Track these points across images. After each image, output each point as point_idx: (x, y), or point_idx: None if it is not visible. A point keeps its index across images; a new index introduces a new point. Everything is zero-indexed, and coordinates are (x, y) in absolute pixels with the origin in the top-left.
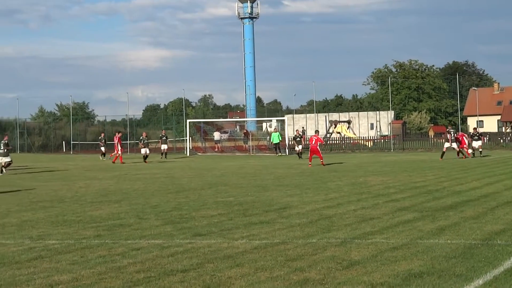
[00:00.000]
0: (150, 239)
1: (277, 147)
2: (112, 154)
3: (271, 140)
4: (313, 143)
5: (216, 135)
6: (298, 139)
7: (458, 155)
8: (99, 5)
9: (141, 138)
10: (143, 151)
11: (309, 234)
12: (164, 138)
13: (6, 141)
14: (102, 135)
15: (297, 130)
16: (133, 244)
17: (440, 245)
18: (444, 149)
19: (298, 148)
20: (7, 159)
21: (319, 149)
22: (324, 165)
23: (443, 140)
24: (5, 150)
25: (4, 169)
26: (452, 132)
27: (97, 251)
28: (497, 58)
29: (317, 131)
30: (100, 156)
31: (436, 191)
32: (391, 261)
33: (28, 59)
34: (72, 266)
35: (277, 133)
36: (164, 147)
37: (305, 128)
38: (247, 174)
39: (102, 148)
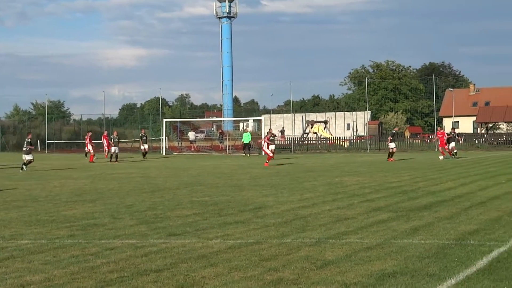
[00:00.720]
0: (124, 239)
1: (248, 147)
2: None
3: (242, 140)
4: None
5: (191, 135)
6: (271, 138)
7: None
8: (76, 3)
9: (111, 137)
10: (113, 149)
11: (284, 234)
12: (145, 137)
13: (29, 140)
14: (89, 134)
15: (270, 129)
16: (107, 244)
17: (414, 245)
18: (391, 150)
19: (270, 148)
20: (30, 157)
21: (265, 150)
22: (266, 166)
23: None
24: (28, 148)
25: (25, 166)
26: (391, 134)
27: (70, 251)
28: (473, 59)
29: (269, 131)
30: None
31: (411, 191)
32: (365, 261)
33: (3, 56)
34: (44, 266)
35: (248, 133)
36: (144, 146)
37: (284, 128)
38: (223, 174)
39: (90, 148)
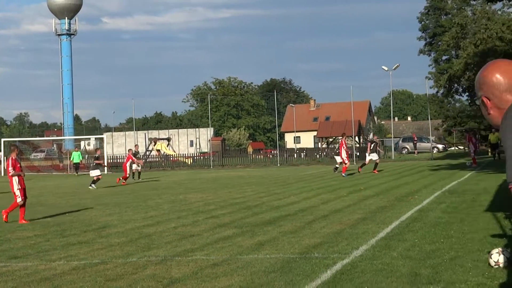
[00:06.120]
0: None
1: (77, 167)
2: None
3: (71, 159)
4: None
5: None
6: (138, 155)
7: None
8: None
9: None
10: None
11: (129, 253)
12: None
13: (98, 156)
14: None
15: (136, 145)
16: None
17: (260, 260)
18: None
19: (138, 167)
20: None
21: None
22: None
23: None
24: (95, 163)
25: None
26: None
27: None
28: (313, 76)
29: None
30: None
31: (255, 206)
32: (212, 278)
33: None
34: None
35: (78, 152)
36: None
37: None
38: (65, 193)
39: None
